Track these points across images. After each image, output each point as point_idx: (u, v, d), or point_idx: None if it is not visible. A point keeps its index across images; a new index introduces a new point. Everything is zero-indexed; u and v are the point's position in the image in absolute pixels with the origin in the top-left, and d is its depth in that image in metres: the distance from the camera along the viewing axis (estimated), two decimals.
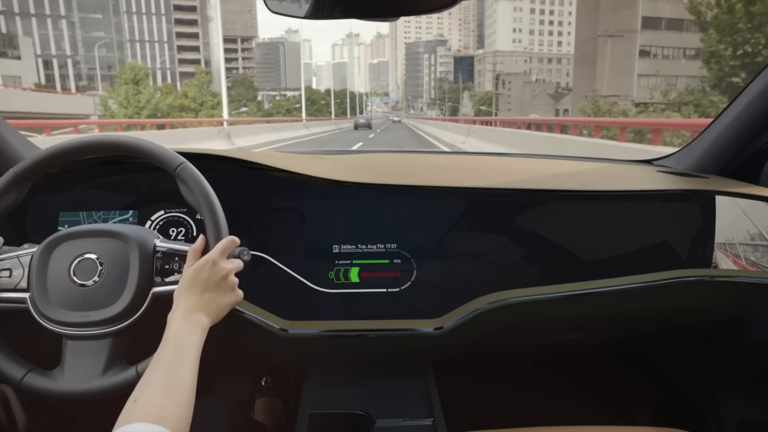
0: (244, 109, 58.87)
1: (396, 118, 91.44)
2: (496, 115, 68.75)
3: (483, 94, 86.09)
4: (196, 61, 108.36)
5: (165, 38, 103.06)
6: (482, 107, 74.06)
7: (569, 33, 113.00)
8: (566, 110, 66.14)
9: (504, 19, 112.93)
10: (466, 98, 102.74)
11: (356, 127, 42.60)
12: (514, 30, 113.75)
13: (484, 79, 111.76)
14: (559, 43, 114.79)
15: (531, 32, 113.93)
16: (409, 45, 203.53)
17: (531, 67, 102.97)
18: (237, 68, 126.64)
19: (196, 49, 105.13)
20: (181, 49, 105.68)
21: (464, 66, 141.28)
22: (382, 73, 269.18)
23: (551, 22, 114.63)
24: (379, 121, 76.47)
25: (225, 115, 23.17)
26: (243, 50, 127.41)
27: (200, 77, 42.31)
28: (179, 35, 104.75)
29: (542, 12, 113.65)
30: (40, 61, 78.02)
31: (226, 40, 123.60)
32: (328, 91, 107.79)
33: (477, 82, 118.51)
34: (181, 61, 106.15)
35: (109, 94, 34.21)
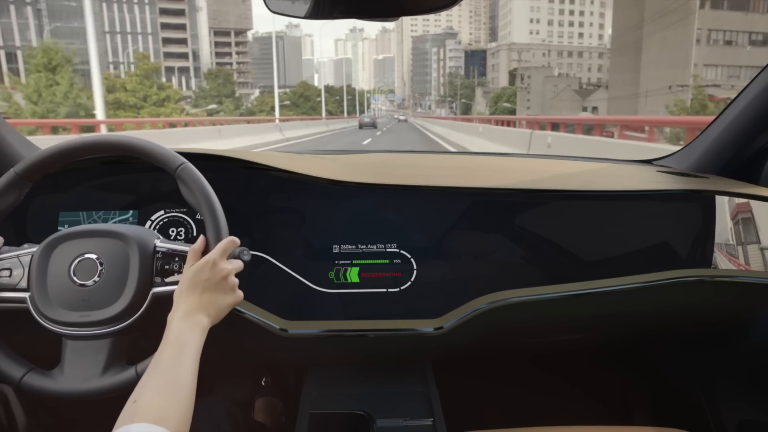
0: (212, 106, 49.98)
1: (402, 117, 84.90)
2: (515, 113, 60.28)
3: (499, 90, 76.94)
4: (184, 55, 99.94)
5: (149, 29, 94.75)
6: (507, 104, 65.30)
7: (591, 24, 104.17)
8: (595, 108, 57.24)
9: (520, 8, 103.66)
10: (479, 95, 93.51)
11: (361, 126, 41.38)
12: (531, 20, 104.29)
13: (498, 75, 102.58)
14: (581, 35, 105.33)
15: (550, 23, 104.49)
16: (416, 39, 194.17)
17: (549, 60, 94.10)
18: (231, 63, 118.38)
19: (183, 41, 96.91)
20: (166, 41, 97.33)
21: (476, 60, 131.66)
22: (387, 70, 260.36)
23: (572, 12, 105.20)
24: (383, 121, 68.81)
25: (99, 113, 14.63)
26: (237, 44, 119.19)
27: (143, 65, 32.69)
28: (164, 26, 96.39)
29: (562, 1, 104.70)
30: (2, 53, 69.78)
31: (217, 32, 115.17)
32: (326, 88, 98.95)
33: (491, 77, 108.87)
34: (167, 55, 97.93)
35: (14, 86, 25.83)
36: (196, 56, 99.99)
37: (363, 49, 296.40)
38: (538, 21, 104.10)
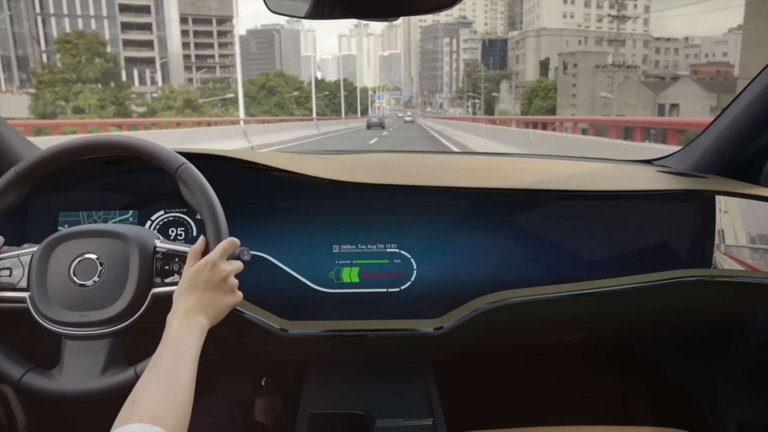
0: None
1: (408, 118, 70.99)
2: (556, 114, 44.63)
3: (534, 84, 58.89)
4: (148, 44, 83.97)
5: (104, 12, 79.00)
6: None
7: (635, 6, 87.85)
8: (675, 105, 40.83)
9: None
10: (504, 90, 77.16)
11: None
12: (566, 1, 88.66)
13: (525, 66, 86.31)
14: (623, 19, 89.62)
15: (586, 4, 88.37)
16: (425, 29, 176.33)
17: (586, 49, 78.20)
18: (212, 56, 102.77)
19: (147, 27, 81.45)
20: (126, 27, 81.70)
21: (495, 52, 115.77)
22: (393, 67, 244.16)
23: None
24: (386, 122, 54.70)
25: None
26: (219, 34, 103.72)
27: None
28: (124, 9, 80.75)
29: None
30: None
31: (197, 20, 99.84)
32: (317, 82, 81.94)
33: (514, 70, 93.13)
34: (128, 43, 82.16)
35: None
36: (164, 45, 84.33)
37: (368, 46, 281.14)
38: (573, 2, 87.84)
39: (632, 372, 1.50)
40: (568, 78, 52.70)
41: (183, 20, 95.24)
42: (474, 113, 77.49)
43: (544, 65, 71.94)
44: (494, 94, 77.68)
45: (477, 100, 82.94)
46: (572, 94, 52.12)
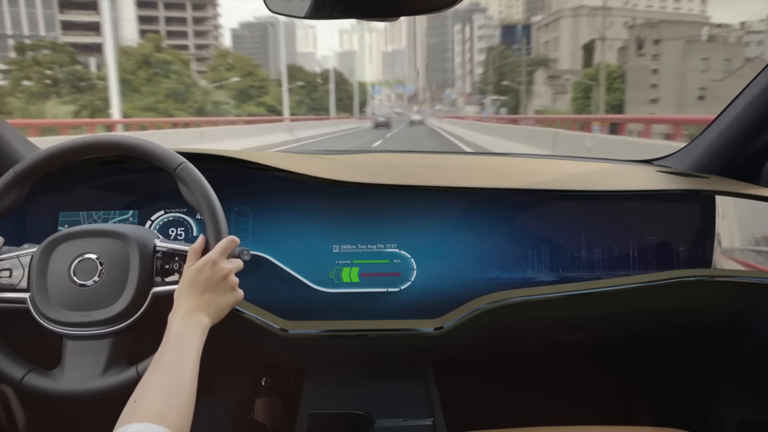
0: None
1: (416, 117, 56.77)
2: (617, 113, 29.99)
3: (592, 71, 42.34)
4: (92, 27, 68.27)
5: None
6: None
7: None
8: None
9: None
10: (540, 81, 61.39)
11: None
12: None
13: (558, 54, 71.65)
14: None
15: None
16: (433, 15, 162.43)
17: (638, 33, 62.91)
18: (186, 45, 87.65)
19: (90, 6, 66.26)
20: (66, 6, 66.29)
21: (515, 39, 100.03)
22: (397, 64, 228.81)
23: None
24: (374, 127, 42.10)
25: None
26: (196, 21, 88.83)
27: None
28: None
29: None
30: None
31: (169, 5, 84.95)
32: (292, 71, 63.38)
33: (553, 57, 77.91)
34: (67, 26, 66.66)
35: None
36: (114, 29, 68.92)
37: (370, 41, 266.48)
38: None
39: (633, 372, 1.50)
40: (645, 61, 37.47)
41: (151, 5, 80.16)
42: (496, 112, 62.23)
43: (588, 49, 56.81)
44: (523, 86, 61.88)
45: (503, 96, 67.36)
46: (651, 84, 36.97)
